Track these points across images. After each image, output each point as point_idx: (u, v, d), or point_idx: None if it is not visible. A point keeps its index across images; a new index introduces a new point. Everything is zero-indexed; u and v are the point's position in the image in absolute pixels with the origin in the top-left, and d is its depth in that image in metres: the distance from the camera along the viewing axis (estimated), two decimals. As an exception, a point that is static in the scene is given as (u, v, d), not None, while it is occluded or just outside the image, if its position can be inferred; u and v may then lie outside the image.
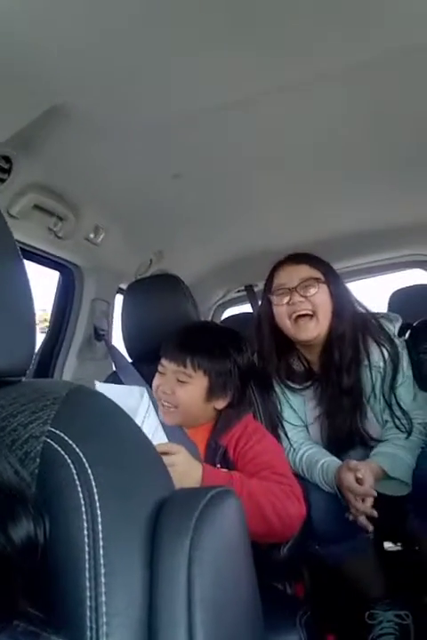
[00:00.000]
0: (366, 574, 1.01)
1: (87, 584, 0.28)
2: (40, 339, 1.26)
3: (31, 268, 1.13)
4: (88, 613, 0.27)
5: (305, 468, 0.97)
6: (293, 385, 1.02)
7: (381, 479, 0.92)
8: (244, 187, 1.17)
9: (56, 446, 0.31)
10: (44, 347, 1.27)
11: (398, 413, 0.97)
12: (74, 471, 0.30)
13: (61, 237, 1.06)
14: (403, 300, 1.73)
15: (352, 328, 0.98)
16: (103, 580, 0.28)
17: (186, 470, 0.71)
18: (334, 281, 0.99)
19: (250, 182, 1.15)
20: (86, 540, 0.29)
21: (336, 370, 0.97)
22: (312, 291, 0.95)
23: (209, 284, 1.85)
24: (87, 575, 0.28)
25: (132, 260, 1.41)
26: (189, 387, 0.82)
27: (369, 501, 0.86)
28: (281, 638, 0.71)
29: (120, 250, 1.29)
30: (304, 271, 0.97)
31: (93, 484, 0.30)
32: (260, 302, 1.18)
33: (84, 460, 0.30)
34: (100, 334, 1.31)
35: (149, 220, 1.26)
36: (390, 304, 1.78)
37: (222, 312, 2.23)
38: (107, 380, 1.00)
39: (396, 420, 0.97)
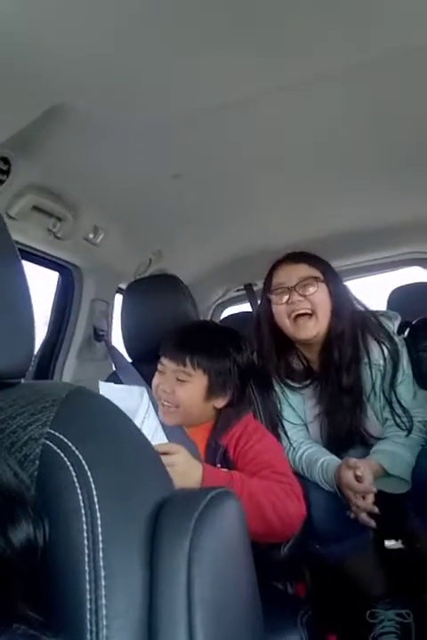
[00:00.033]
0: (367, 573, 1.01)
1: (87, 586, 0.28)
2: (39, 340, 1.26)
3: (30, 268, 1.13)
4: (88, 616, 0.27)
5: (305, 466, 0.97)
6: (292, 384, 1.02)
7: (380, 477, 0.92)
8: (243, 186, 1.17)
9: (55, 448, 0.31)
10: (44, 347, 1.27)
11: (399, 411, 0.97)
12: (73, 473, 0.30)
13: (60, 238, 1.06)
14: (402, 298, 1.73)
15: (351, 326, 0.98)
16: (103, 582, 0.28)
17: (186, 470, 0.71)
18: (333, 280, 0.99)
19: (249, 182, 1.15)
20: (86, 542, 0.29)
21: (336, 368, 0.97)
22: (311, 289, 0.96)
23: (208, 283, 1.85)
24: (87, 577, 0.28)
25: (131, 260, 1.40)
26: (188, 385, 0.82)
27: (370, 498, 0.86)
28: (282, 638, 0.71)
29: (119, 250, 1.29)
30: (303, 270, 0.97)
31: (93, 486, 0.30)
32: (259, 301, 1.18)
33: (84, 462, 0.30)
34: (99, 335, 1.31)
35: (148, 220, 1.26)
36: (389, 302, 1.78)
37: (222, 311, 2.23)
38: (107, 381, 1.00)
39: (396, 418, 0.97)
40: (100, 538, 0.29)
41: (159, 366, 0.85)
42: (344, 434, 0.99)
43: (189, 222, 1.34)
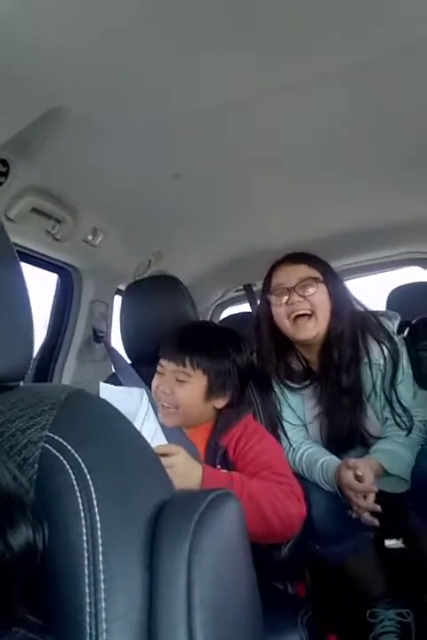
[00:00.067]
0: (367, 573, 1.01)
1: (86, 590, 0.28)
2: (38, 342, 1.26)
3: (29, 271, 1.13)
4: (88, 619, 0.27)
5: (305, 467, 0.97)
6: (292, 384, 1.02)
7: (380, 476, 0.92)
8: (243, 186, 1.17)
9: (55, 452, 0.31)
10: (43, 349, 1.27)
11: (399, 411, 0.97)
12: (73, 477, 0.30)
13: (59, 240, 1.06)
14: (401, 298, 1.73)
15: (351, 327, 0.98)
16: (102, 585, 0.28)
17: (186, 471, 0.71)
18: (332, 280, 0.99)
19: (249, 182, 1.15)
20: (85, 545, 0.29)
21: (335, 369, 0.97)
22: (311, 290, 0.95)
23: (208, 283, 1.85)
24: (86, 581, 0.28)
25: (130, 262, 1.40)
26: (188, 386, 0.81)
27: (371, 497, 0.86)
28: (283, 638, 0.71)
29: (118, 251, 1.29)
30: (303, 271, 0.97)
31: (92, 489, 0.30)
32: (258, 302, 1.18)
33: (83, 465, 0.30)
34: (99, 336, 1.31)
35: (148, 221, 1.26)
36: (388, 302, 1.78)
37: (221, 312, 2.23)
38: (106, 382, 1.00)
39: (396, 418, 0.97)
40: (100, 541, 0.29)
41: (158, 368, 0.85)
42: (344, 434, 0.99)
43: (189, 223, 1.34)
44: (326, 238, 1.50)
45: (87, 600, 0.27)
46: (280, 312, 0.97)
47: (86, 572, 0.28)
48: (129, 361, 1.06)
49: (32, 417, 0.32)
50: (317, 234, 1.46)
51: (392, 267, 2.07)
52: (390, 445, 0.95)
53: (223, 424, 0.84)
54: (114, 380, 1.00)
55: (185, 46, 0.65)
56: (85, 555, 0.28)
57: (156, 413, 0.84)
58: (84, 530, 0.29)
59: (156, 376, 0.86)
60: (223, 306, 2.21)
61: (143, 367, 0.97)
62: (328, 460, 0.94)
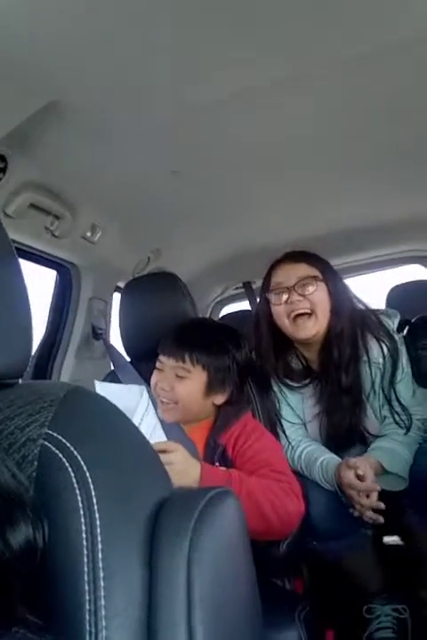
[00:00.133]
0: (365, 569, 1.01)
1: (86, 588, 0.28)
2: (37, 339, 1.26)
3: (27, 267, 1.12)
4: (87, 617, 0.27)
5: (304, 465, 0.97)
6: (291, 383, 1.02)
7: (379, 474, 0.92)
8: (242, 183, 1.17)
9: (54, 449, 0.31)
10: (42, 347, 1.26)
11: (398, 409, 0.97)
12: (72, 474, 0.30)
13: (58, 236, 1.06)
14: (401, 296, 1.73)
15: (351, 325, 0.98)
16: (102, 583, 0.28)
17: (184, 468, 0.71)
18: (332, 279, 0.99)
19: (249, 179, 1.14)
20: (85, 542, 0.28)
21: (335, 367, 0.97)
22: (310, 289, 0.95)
23: (207, 281, 1.85)
24: (86, 579, 0.28)
25: (129, 259, 1.40)
26: (187, 382, 0.81)
27: (374, 496, 0.86)
28: (281, 634, 0.72)
29: (117, 248, 1.29)
30: (302, 269, 0.97)
31: (91, 486, 0.30)
32: (258, 300, 1.18)
33: (82, 462, 0.30)
34: (97, 333, 1.31)
35: (147, 218, 1.25)
36: (388, 300, 1.78)
37: (220, 310, 2.23)
38: (105, 379, 1.00)
39: (396, 416, 0.97)
40: (99, 539, 0.29)
41: (158, 364, 0.85)
42: (344, 432, 0.99)
43: (188, 220, 1.33)
44: (326, 236, 1.50)
45: (87, 597, 0.27)
46: (280, 311, 0.97)
47: (86, 569, 0.28)
48: (128, 358, 1.06)
49: (31, 414, 0.32)
50: (316, 231, 1.46)
51: (392, 265, 2.08)
52: (389, 444, 0.96)
53: (222, 422, 0.84)
54: (113, 377, 1.00)
55: (184, 42, 0.65)
56: (85, 552, 0.28)
57: (155, 410, 0.84)
58: (84, 527, 0.29)
59: (155, 372, 0.86)
60: (222, 303, 2.21)
61: (142, 364, 0.97)
62: (328, 458, 0.94)
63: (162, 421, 0.83)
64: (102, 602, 0.27)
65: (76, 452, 0.31)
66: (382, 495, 0.89)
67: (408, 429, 0.96)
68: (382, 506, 0.85)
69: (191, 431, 0.85)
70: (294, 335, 0.98)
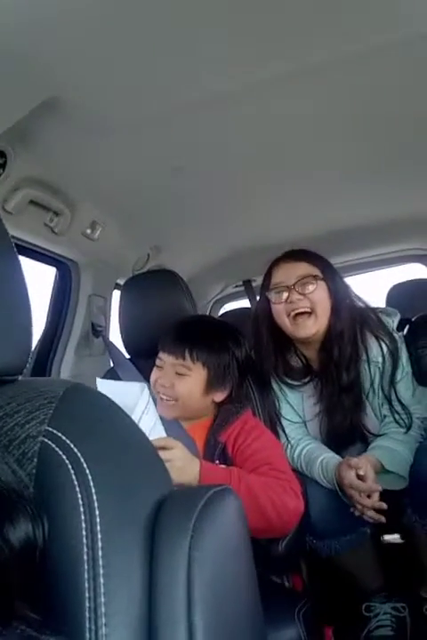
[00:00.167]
0: (364, 567, 1.01)
1: (86, 585, 0.27)
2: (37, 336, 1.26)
3: (27, 264, 1.12)
4: (87, 614, 0.27)
5: (304, 464, 0.97)
6: (291, 382, 1.02)
7: (379, 473, 0.92)
8: (242, 181, 1.16)
9: (53, 446, 0.30)
10: (42, 344, 1.26)
11: (398, 408, 0.97)
12: (72, 471, 0.30)
13: (58, 233, 1.05)
14: (401, 295, 1.73)
15: (351, 324, 0.98)
16: (102, 580, 0.28)
17: (184, 466, 0.71)
18: (332, 277, 0.99)
19: (248, 177, 1.14)
20: (85, 540, 0.28)
21: (335, 366, 0.97)
22: (310, 288, 0.95)
23: (207, 279, 1.85)
24: (86, 576, 0.28)
25: (129, 256, 1.40)
26: (187, 379, 0.81)
27: (376, 496, 0.86)
28: (280, 631, 0.72)
29: (117, 245, 1.29)
30: (302, 268, 0.97)
31: (91, 483, 0.30)
32: (258, 298, 1.18)
33: (82, 459, 0.30)
34: (97, 330, 1.31)
35: (147, 215, 1.25)
36: (388, 299, 1.78)
37: (220, 307, 2.23)
38: (104, 376, 1.00)
39: (395, 415, 0.97)
40: (99, 536, 0.28)
41: (158, 361, 0.85)
42: (344, 431, 0.99)
43: (188, 217, 1.33)
44: (326, 234, 1.50)
45: (86, 595, 0.27)
46: (280, 310, 0.97)
47: (86, 567, 0.28)
48: (127, 355, 1.06)
49: (31, 411, 0.32)
50: (316, 230, 1.46)
51: (392, 263, 2.07)
52: (388, 442, 0.96)
53: (222, 420, 0.84)
54: (112, 374, 1.00)
55: (184, 40, 0.65)
56: (85, 550, 0.28)
57: (155, 407, 0.84)
58: (84, 525, 0.29)
59: (155, 369, 0.86)
60: (222, 301, 2.21)
61: (142, 361, 0.97)
62: (328, 457, 0.94)
63: (162, 419, 0.83)
64: (102, 599, 0.27)
65: (75, 449, 0.30)
66: (382, 494, 0.89)
67: (408, 428, 0.96)
68: (384, 506, 0.85)
69: (191, 429, 0.85)
70: (294, 334, 0.97)
